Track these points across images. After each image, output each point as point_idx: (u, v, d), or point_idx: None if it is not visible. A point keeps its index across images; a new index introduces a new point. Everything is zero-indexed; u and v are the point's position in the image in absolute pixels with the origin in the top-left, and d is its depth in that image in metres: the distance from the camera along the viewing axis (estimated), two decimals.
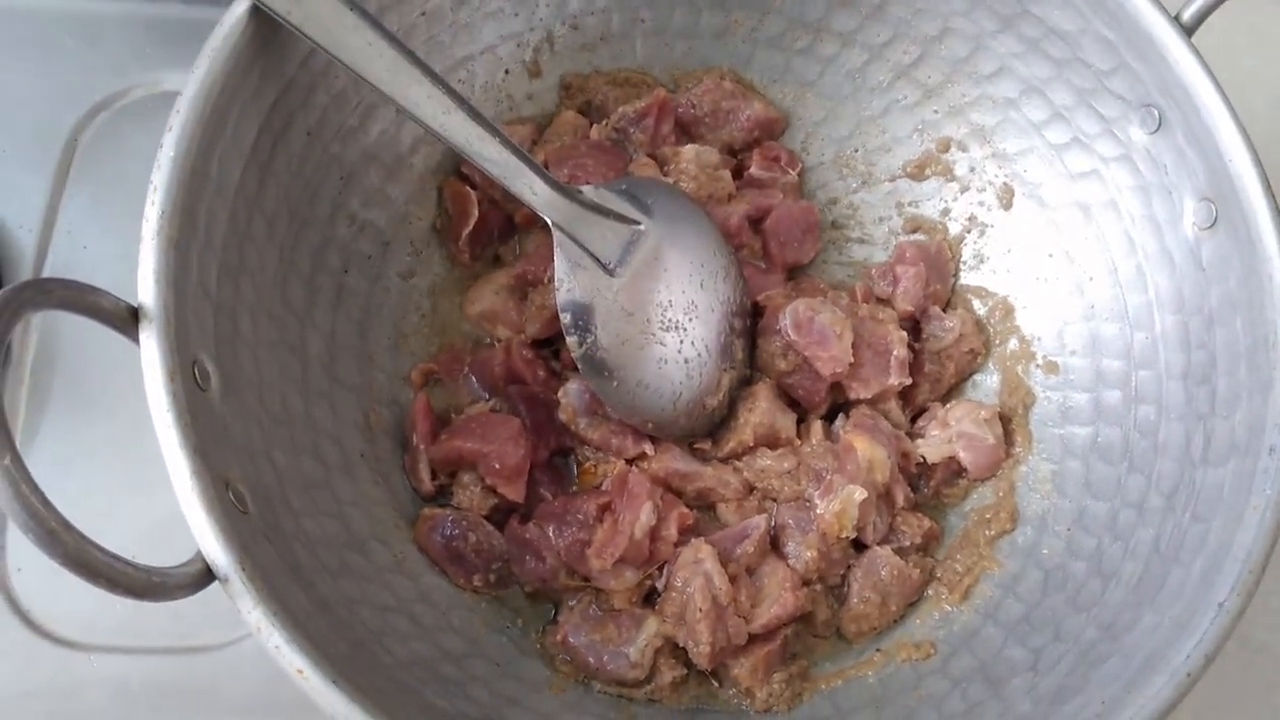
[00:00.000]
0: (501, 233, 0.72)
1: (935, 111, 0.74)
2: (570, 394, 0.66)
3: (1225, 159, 0.57)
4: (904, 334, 0.70)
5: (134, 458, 0.69)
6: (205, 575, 0.45)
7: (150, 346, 0.47)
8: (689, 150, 0.72)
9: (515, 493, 0.65)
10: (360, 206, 0.67)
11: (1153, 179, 0.63)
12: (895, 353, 0.69)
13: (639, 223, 0.66)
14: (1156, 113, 0.62)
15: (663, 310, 0.66)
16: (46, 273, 0.74)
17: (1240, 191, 0.57)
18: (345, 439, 0.62)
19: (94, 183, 0.76)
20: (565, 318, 0.63)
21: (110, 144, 0.77)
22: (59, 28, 0.79)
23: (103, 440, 0.71)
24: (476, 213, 0.69)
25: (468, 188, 0.70)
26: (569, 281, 0.64)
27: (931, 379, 0.72)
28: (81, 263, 0.75)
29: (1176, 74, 0.59)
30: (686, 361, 0.66)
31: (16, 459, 0.39)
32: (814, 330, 0.67)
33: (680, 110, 0.75)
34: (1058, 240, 0.71)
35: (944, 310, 0.73)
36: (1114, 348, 0.67)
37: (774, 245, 0.73)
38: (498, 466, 0.64)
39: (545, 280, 0.69)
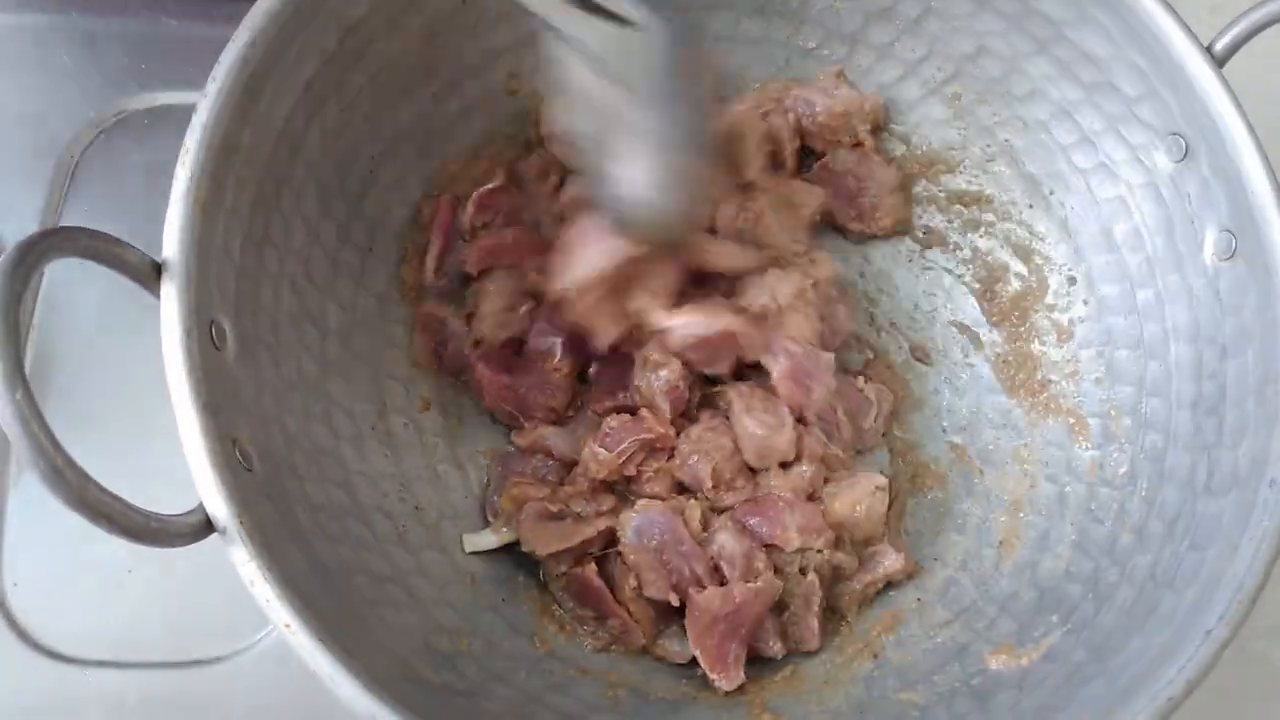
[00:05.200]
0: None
1: (964, 130, 0.74)
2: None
3: (1247, 190, 0.57)
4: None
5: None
6: (205, 526, 0.46)
7: (170, 301, 0.49)
8: None
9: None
10: (389, 187, 0.68)
11: (1176, 208, 0.63)
12: None
13: None
14: (1183, 142, 0.61)
15: None
16: (46, 285, 0.74)
17: (1260, 224, 0.57)
18: (357, 411, 0.63)
19: (91, 199, 0.75)
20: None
21: (107, 160, 0.76)
22: (56, 44, 0.78)
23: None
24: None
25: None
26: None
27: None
28: (78, 278, 0.73)
29: (1204, 103, 0.59)
30: None
31: (27, 394, 0.40)
32: None
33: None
34: (1079, 265, 0.71)
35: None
36: (1128, 374, 0.66)
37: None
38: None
39: None
